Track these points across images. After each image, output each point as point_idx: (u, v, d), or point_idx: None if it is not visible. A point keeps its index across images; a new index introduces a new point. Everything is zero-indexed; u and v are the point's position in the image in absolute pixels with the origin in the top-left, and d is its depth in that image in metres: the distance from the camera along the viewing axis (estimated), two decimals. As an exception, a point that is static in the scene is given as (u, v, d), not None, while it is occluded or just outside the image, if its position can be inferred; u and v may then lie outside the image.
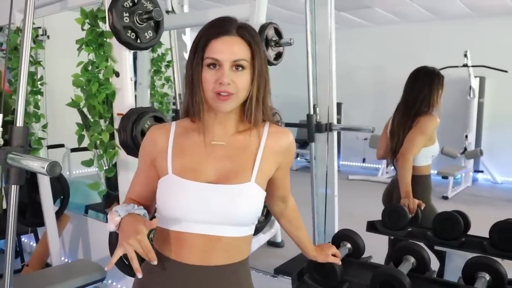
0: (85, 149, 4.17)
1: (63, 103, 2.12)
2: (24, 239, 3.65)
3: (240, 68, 1.04)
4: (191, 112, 1.10)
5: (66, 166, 4.70)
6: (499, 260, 1.51)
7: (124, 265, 1.92)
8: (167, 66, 3.46)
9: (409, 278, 1.33)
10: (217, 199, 1.05)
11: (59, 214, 2.95)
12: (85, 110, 3.68)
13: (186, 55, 3.64)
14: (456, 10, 6.19)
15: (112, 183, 2.42)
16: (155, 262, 0.96)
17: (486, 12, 6.28)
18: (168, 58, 3.48)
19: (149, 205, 1.18)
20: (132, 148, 1.85)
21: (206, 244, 1.07)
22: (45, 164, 1.17)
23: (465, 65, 5.95)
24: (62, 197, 3.03)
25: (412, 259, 1.47)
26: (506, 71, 6.08)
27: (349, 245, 1.58)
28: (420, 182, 2.35)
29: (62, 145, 4.40)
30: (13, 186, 1.47)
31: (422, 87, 2.37)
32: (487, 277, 1.34)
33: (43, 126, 2.61)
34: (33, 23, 1.62)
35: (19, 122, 1.49)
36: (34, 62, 2.54)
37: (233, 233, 1.08)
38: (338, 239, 1.61)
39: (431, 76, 2.39)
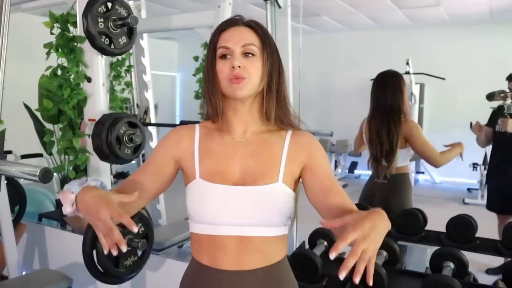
0: (36, 155, 4.00)
1: (7, 108, 2.03)
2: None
3: (250, 55, 1.07)
4: (210, 110, 1.12)
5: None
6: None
7: (99, 273, 1.90)
8: (127, 71, 3.43)
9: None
10: (247, 202, 1.06)
11: (15, 223, 2.83)
12: (38, 115, 3.56)
13: (144, 60, 3.63)
14: (397, 20, 6.53)
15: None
16: (134, 229, 0.85)
17: (425, 23, 6.71)
18: (128, 63, 3.45)
19: (144, 200, 1.11)
20: (107, 154, 1.84)
21: (239, 246, 1.07)
22: (36, 171, 1.16)
23: (407, 73, 6.31)
24: (18, 205, 2.91)
25: (384, 253, 1.59)
26: (443, 79, 6.53)
27: (325, 243, 1.67)
28: (402, 180, 2.50)
29: (9, 152, 4.21)
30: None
31: (394, 92, 2.45)
32: (452, 265, 1.48)
33: (1, 132, 2.51)
34: None
35: (-4, 128, 1.46)
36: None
37: (265, 233, 1.07)
38: (314, 237, 1.70)
39: (398, 80, 2.50)
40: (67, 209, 0.94)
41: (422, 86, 7.08)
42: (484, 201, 5.79)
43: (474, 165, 6.26)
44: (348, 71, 7.55)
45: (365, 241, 0.77)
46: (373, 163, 2.56)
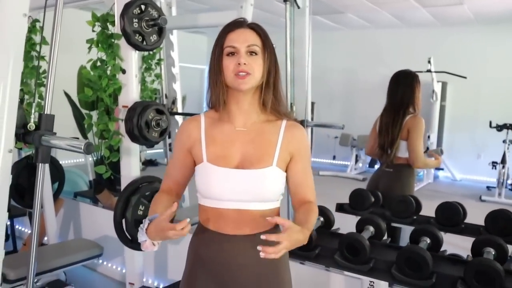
0: (74, 138, 4.38)
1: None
2: (16, 225, 3.84)
3: (254, 54, 1.25)
4: (214, 100, 1.31)
5: (54, 154, 4.89)
6: (442, 233, 1.90)
7: (127, 240, 2.21)
8: (157, 64, 3.72)
9: (369, 243, 1.68)
10: (245, 182, 1.26)
11: (55, 197, 3.18)
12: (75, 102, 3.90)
13: (173, 54, 3.92)
14: (422, 18, 6.59)
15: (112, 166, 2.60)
16: (187, 228, 1.15)
17: (450, 21, 6.73)
18: (158, 56, 3.73)
19: (182, 188, 1.42)
20: (137, 136, 2.13)
21: (238, 217, 1.28)
22: (81, 144, 1.45)
23: (429, 71, 6.40)
24: (58, 182, 3.25)
25: (372, 228, 1.82)
26: (465, 77, 6.58)
27: (322, 219, 1.91)
28: (406, 171, 2.70)
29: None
30: (40, 164, 1.73)
31: (405, 89, 2.69)
32: (428, 240, 1.70)
33: (51, 115, 2.83)
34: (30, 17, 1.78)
35: (48, 110, 1.76)
36: (39, 57, 2.76)
37: (261, 207, 1.28)
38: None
39: (410, 78, 2.73)
40: (154, 248, 1.27)
41: (444, 84, 7.14)
42: (502, 199, 5.92)
43: (494, 164, 6.31)
44: (372, 68, 7.66)
45: (284, 247, 1.11)
46: (379, 151, 2.79)
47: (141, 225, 1.27)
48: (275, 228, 1.35)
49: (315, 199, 1.35)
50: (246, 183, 1.26)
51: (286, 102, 1.40)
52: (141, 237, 1.26)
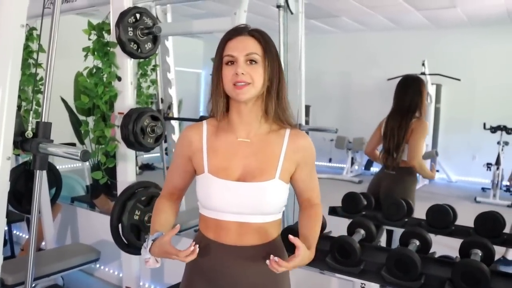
0: (70, 144, 4.41)
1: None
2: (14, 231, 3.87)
3: (254, 62, 1.21)
4: (215, 109, 1.27)
5: (51, 159, 4.92)
6: (432, 235, 1.94)
7: (124, 244, 2.24)
8: (153, 70, 3.76)
9: (360, 246, 1.72)
10: (247, 195, 1.24)
11: (52, 202, 3.21)
12: (72, 108, 3.93)
13: (169, 59, 3.96)
14: (416, 21, 6.64)
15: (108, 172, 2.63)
16: (191, 257, 1.17)
17: (444, 23, 6.79)
18: (153, 62, 3.77)
19: (183, 191, 1.43)
20: (133, 143, 2.17)
21: (239, 229, 1.27)
22: (78, 151, 1.49)
23: (423, 73, 6.46)
24: (55, 187, 3.28)
25: (362, 231, 1.86)
26: (459, 80, 6.65)
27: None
28: (408, 174, 2.77)
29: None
30: (38, 171, 1.77)
31: (413, 94, 2.75)
32: (417, 242, 1.74)
33: (48, 123, 2.86)
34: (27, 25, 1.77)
35: (45, 118, 1.79)
36: (36, 64, 2.79)
37: (262, 220, 1.27)
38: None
39: (419, 84, 2.79)
40: (157, 265, 1.27)
41: (439, 87, 7.20)
42: (497, 200, 5.98)
43: (488, 165, 6.36)
44: (367, 71, 7.71)
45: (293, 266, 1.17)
46: (384, 155, 2.84)
47: (144, 244, 1.26)
48: (276, 241, 1.34)
49: (320, 200, 1.39)
50: (247, 196, 1.24)
51: (291, 110, 1.38)
52: (145, 255, 1.26)
